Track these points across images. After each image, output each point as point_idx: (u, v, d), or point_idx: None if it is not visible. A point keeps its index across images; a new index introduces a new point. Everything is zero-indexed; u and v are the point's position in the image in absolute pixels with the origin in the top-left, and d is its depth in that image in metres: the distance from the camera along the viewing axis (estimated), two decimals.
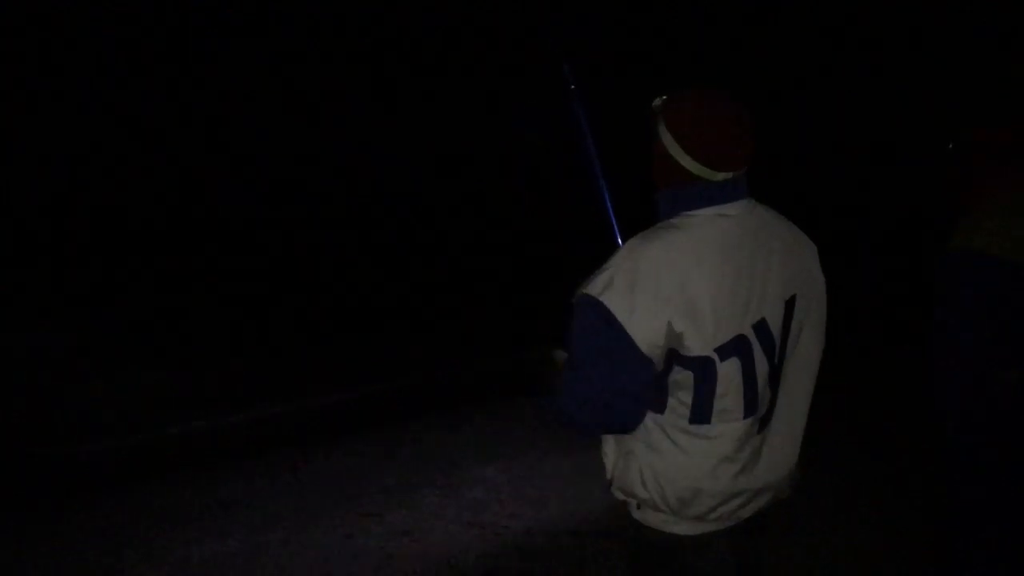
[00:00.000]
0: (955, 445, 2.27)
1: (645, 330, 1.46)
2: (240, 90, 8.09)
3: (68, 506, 3.83)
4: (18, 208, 7.13)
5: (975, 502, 2.27)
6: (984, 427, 2.18)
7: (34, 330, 5.77)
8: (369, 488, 3.94)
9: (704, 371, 1.50)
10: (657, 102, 1.61)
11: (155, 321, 6.37)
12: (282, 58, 8.23)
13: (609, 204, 1.98)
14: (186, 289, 6.99)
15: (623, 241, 1.86)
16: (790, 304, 1.60)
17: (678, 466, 1.55)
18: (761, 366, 1.54)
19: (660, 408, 1.55)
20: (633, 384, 1.50)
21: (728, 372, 1.50)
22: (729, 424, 1.53)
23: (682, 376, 1.51)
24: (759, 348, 1.54)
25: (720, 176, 1.53)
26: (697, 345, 1.48)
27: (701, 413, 1.52)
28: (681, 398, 1.53)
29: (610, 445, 1.66)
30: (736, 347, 1.50)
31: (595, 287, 1.49)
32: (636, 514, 1.64)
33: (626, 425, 1.57)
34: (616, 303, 1.46)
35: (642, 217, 1.65)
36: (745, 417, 1.54)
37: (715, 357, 1.49)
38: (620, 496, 1.66)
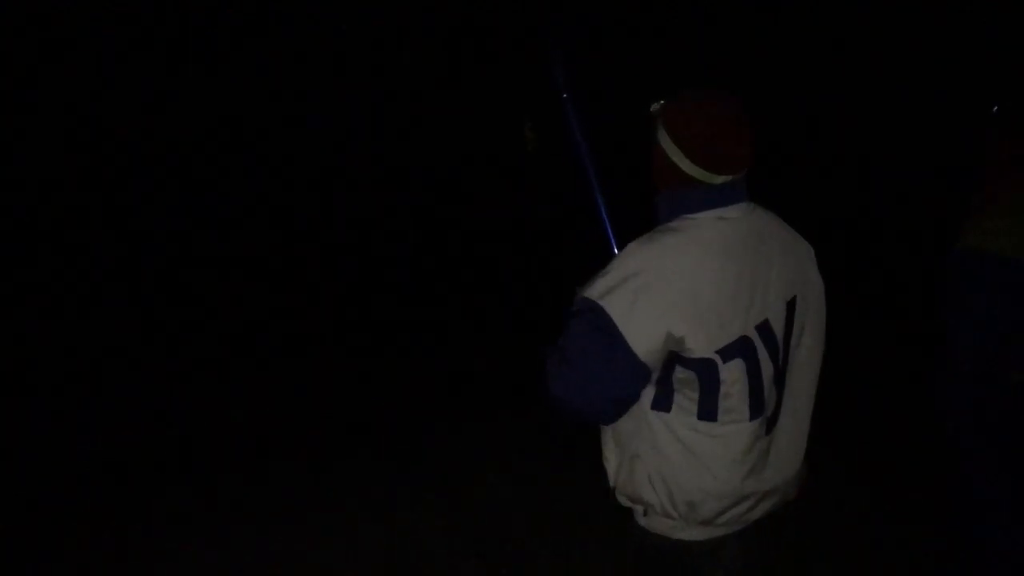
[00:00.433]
0: (958, 446, 2.26)
1: (644, 336, 1.45)
2: (238, 90, 8.09)
3: (69, 506, 3.83)
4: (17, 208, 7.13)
5: (978, 503, 2.27)
6: (988, 428, 2.17)
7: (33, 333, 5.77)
8: (369, 489, 3.93)
9: (707, 372, 1.49)
10: (655, 106, 1.60)
11: (154, 322, 6.38)
12: (280, 58, 8.23)
13: (603, 206, 1.97)
14: (187, 288, 7.00)
15: (620, 244, 1.85)
16: (791, 305, 1.60)
17: (687, 468, 1.54)
18: (766, 367, 1.54)
19: (667, 406, 1.54)
20: (621, 391, 1.50)
21: (732, 373, 1.50)
22: (736, 425, 1.53)
23: (686, 375, 1.51)
24: (763, 349, 1.53)
25: (720, 180, 1.53)
26: (699, 347, 1.47)
27: (708, 410, 1.52)
28: (688, 395, 1.52)
29: (611, 450, 1.65)
30: (740, 348, 1.50)
31: (595, 291, 1.49)
32: (642, 521, 1.63)
33: (599, 420, 1.60)
34: (616, 308, 1.46)
35: (642, 218, 1.64)
36: (751, 418, 1.53)
37: (717, 359, 1.48)
38: (625, 502, 1.65)
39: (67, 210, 7.42)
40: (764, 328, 1.53)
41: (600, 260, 1.59)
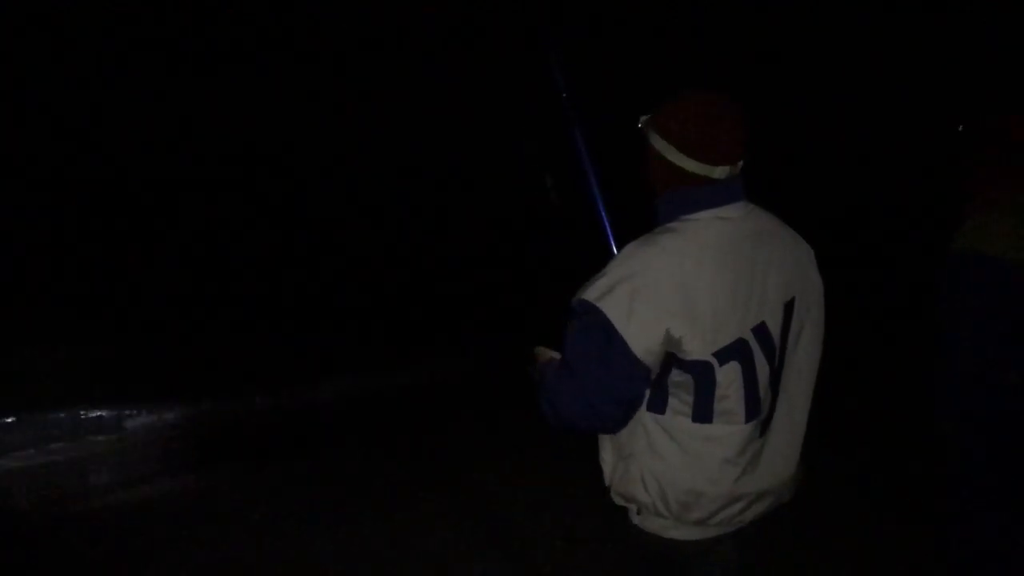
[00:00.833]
0: (956, 446, 2.26)
1: (642, 337, 1.45)
2: (235, 91, 8.08)
3: (68, 507, 3.83)
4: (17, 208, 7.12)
5: (976, 503, 2.27)
6: (986, 428, 2.17)
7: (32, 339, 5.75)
8: (368, 489, 3.94)
9: (703, 375, 1.49)
10: (643, 119, 1.61)
11: (155, 320, 6.37)
12: (279, 58, 8.23)
13: (602, 206, 1.97)
14: (189, 286, 6.98)
15: (618, 244, 1.85)
16: (789, 307, 1.60)
17: (680, 468, 1.54)
18: (762, 369, 1.54)
19: (661, 408, 1.54)
20: (623, 392, 1.50)
21: (728, 375, 1.50)
22: (731, 426, 1.53)
23: (682, 377, 1.51)
24: (759, 351, 1.53)
25: (718, 171, 1.53)
26: (696, 349, 1.47)
27: (703, 413, 1.52)
28: (683, 398, 1.52)
29: (608, 450, 1.66)
30: (736, 351, 1.50)
31: (593, 293, 1.49)
32: (635, 519, 1.64)
33: (607, 427, 1.57)
34: (614, 310, 1.46)
35: (641, 219, 1.64)
36: (747, 420, 1.53)
37: (714, 361, 1.48)
38: (619, 501, 1.65)
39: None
40: (761, 330, 1.53)
41: (599, 261, 1.59)
